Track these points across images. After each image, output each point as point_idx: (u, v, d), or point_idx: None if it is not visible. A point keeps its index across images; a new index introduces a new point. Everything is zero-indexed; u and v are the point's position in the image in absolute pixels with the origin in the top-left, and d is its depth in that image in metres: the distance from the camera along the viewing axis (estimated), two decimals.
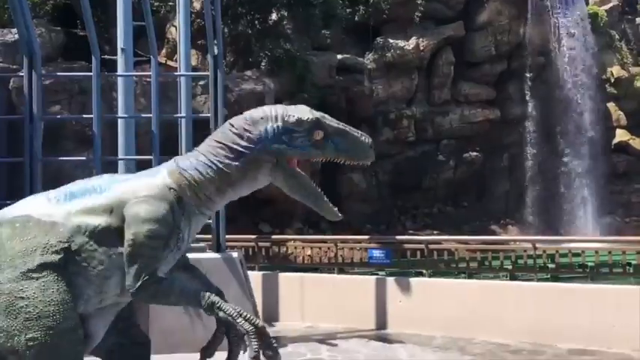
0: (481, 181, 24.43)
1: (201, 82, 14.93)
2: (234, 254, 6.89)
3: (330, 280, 8.47)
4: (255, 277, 8.24)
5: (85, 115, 8.10)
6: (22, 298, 2.78)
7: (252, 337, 2.87)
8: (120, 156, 7.26)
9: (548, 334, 6.68)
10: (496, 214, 23.86)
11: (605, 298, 6.78)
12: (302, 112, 3.17)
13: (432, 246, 8.57)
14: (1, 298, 2.79)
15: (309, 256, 10.52)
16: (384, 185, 23.27)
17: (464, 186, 24.10)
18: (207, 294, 2.99)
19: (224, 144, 3.09)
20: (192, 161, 3.12)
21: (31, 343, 2.76)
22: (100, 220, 2.97)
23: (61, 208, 3.00)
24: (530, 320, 6.89)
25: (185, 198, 3.07)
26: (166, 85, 11.68)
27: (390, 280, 7.95)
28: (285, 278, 8.50)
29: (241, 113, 3.28)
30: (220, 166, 3.06)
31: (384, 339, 7.16)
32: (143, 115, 7.98)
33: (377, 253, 8.44)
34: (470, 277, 9.15)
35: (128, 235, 2.91)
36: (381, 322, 7.76)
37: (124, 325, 3.26)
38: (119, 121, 7.40)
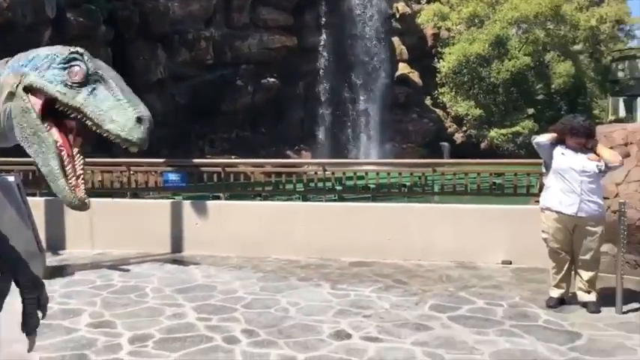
0: (278, 107, 25.04)
1: None
2: (11, 178, 6.23)
3: (122, 204, 8.12)
4: (37, 203, 7.58)
5: None
6: None
7: None
8: None
9: (334, 250, 7.25)
10: (291, 140, 24.82)
11: (383, 216, 7.51)
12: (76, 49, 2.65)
13: (228, 169, 8.62)
14: None
15: (99, 181, 9.94)
16: (181, 109, 22.65)
17: (261, 112, 24.51)
18: None
19: None
20: None
21: None
22: None
23: None
24: (319, 238, 7.39)
25: None
26: None
27: (186, 203, 7.88)
28: None
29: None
30: None
31: (179, 262, 7.15)
32: None
33: (173, 177, 8.28)
34: (265, 199, 9.48)
35: None
36: (177, 245, 7.71)
37: None
38: None
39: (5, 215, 5.96)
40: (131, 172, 8.65)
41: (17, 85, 2.55)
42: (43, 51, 2.64)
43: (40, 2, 16.68)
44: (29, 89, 2.55)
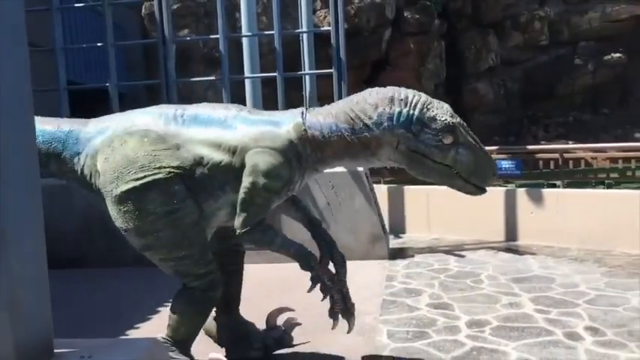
0: (624, 85, 22.38)
1: None
2: (360, 168, 6.96)
3: (456, 192, 8.33)
4: (381, 190, 8.33)
5: (212, 36, 8.34)
6: (147, 201, 3.00)
7: (337, 299, 3.34)
8: (246, 74, 7.46)
9: None
10: None
11: None
12: (443, 111, 3.06)
13: (567, 155, 8.11)
14: (128, 204, 3.00)
15: None
16: (512, 94, 22.11)
17: (604, 91, 22.25)
18: (304, 253, 3.23)
19: (356, 113, 3.08)
20: (320, 120, 3.14)
21: (163, 239, 3.04)
22: (222, 157, 3.09)
23: (187, 131, 3.12)
24: None
25: (304, 154, 3.14)
26: (285, 2, 11.67)
27: (521, 191, 7.68)
28: (411, 191, 8.51)
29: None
30: (345, 134, 3.08)
31: (514, 251, 7.02)
32: (266, 33, 8.06)
33: (506, 164, 8.14)
34: (610, 187, 8.61)
35: (246, 183, 3.05)
36: (511, 234, 7.59)
37: (224, 235, 3.46)
38: (243, 40, 7.55)
39: (356, 200, 6.71)
40: None
41: (398, 144, 3.05)
42: (414, 110, 3.03)
43: (380, 7, 18.19)
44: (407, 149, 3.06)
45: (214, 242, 3.44)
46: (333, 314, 3.37)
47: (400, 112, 3.01)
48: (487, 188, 3.23)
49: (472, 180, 3.12)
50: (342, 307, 3.38)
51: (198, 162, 3.07)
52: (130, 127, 3.15)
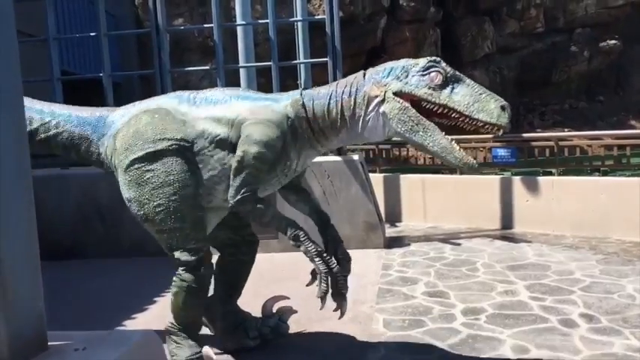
0: (620, 72, 22.38)
1: None
2: (355, 157, 6.96)
3: (452, 180, 8.36)
4: (377, 179, 8.33)
5: (205, 25, 8.29)
6: (149, 170, 3.15)
7: (324, 278, 3.12)
8: (240, 64, 7.43)
9: None
10: (637, 108, 21.93)
11: None
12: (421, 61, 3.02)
13: (562, 143, 8.11)
14: (132, 172, 3.17)
15: (429, 157, 10.40)
16: (508, 82, 22.07)
17: (599, 78, 22.25)
18: (295, 227, 3.14)
19: (347, 82, 3.16)
20: (316, 93, 3.22)
21: (158, 209, 3.13)
22: (221, 131, 3.21)
23: (195, 110, 3.30)
24: None
25: (300, 130, 3.20)
26: None
27: (516, 179, 7.69)
28: (407, 180, 8.51)
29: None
30: (338, 99, 3.12)
31: (510, 238, 7.04)
32: (260, 21, 8.01)
33: (502, 152, 8.14)
34: (605, 175, 8.63)
35: (239, 152, 3.10)
36: (506, 222, 7.61)
37: (238, 224, 3.68)
38: (238, 29, 7.51)
39: (352, 189, 6.71)
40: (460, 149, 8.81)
41: (385, 92, 2.97)
42: (397, 64, 3.05)
43: None
44: (397, 94, 2.95)
45: (227, 231, 3.64)
46: (322, 295, 3.15)
47: (385, 69, 3.05)
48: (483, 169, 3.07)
49: (477, 116, 2.81)
50: (332, 290, 3.18)
51: (200, 136, 3.22)
52: (145, 107, 3.39)
